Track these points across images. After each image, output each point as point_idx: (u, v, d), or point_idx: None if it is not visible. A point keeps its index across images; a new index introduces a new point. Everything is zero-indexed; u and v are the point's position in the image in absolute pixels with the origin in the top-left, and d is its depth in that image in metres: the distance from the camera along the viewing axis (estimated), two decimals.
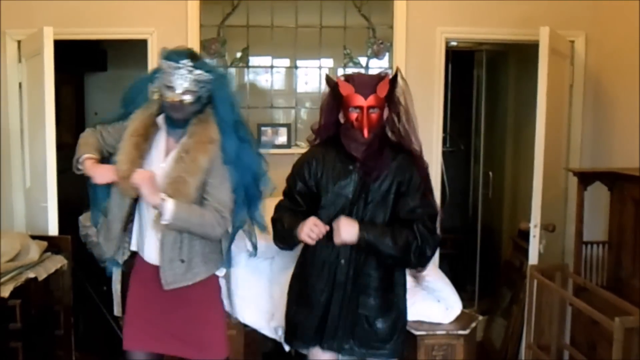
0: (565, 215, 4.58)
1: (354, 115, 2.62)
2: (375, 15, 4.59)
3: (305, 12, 4.63)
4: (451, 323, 3.40)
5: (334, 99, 2.70)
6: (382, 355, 2.76)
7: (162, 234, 2.64)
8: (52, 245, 3.83)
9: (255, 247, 2.94)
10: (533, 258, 4.03)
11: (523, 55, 5.54)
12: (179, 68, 2.56)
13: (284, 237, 2.77)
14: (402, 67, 4.45)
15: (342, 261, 2.68)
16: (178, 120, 2.65)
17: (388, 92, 2.64)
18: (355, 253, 2.67)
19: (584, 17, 4.52)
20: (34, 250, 3.59)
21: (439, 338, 3.32)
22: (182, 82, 2.56)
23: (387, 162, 2.67)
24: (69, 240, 3.95)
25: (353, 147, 2.66)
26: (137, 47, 4.56)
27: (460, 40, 5.21)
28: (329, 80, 2.74)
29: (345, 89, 2.63)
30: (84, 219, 4.94)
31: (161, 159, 2.69)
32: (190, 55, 2.63)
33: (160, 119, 2.72)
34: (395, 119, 2.72)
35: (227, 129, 2.65)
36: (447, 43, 4.61)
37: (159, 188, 2.56)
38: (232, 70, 4.70)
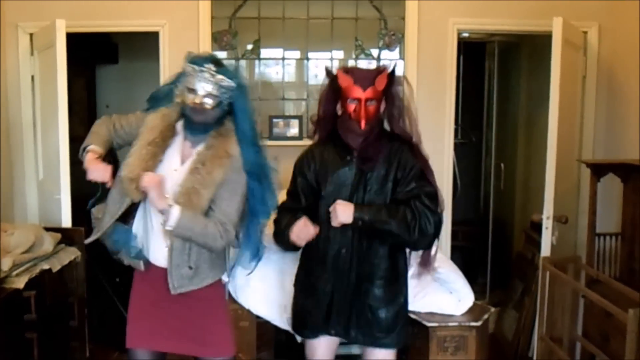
0: (577, 207, 4.56)
1: (352, 106, 2.67)
2: (386, 7, 4.59)
3: (316, 4, 4.63)
4: (463, 315, 3.39)
5: (333, 90, 2.74)
6: (384, 345, 2.79)
7: (171, 239, 2.63)
8: (66, 237, 3.86)
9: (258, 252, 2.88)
10: (545, 250, 4.03)
11: (535, 46, 5.51)
12: (202, 71, 2.56)
13: (282, 239, 2.81)
14: (414, 59, 4.47)
15: (343, 250, 2.72)
16: (198, 123, 2.62)
17: (386, 85, 2.67)
18: (357, 242, 2.70)
19: (597, 7, 4.49)
20: (48, 242, 3.62)
21: (451, 330, 3.31)
22: (205, 85, 2.56)
23: (383, 151, 2.70)
24: (82, 232, 3.96)
25: (350, 137, 2.71)
26: (148, 40, 4.58)
27: (472, 31, 5.18)
28: (328, 72, 2.78)
29: (344, 81, 2.66)
30: (96, 211, 4.98)
31: (175, 163, 2.68)
32: (214, 60, 2.64)
33: (179, 126, 2.71)
34: (396, 114, 2.74)
35: (246, 140, 2.66)
36: (458, 34, 4.59)
37: (166, 193, 2.56)
38: (243, 63, 4.71)
